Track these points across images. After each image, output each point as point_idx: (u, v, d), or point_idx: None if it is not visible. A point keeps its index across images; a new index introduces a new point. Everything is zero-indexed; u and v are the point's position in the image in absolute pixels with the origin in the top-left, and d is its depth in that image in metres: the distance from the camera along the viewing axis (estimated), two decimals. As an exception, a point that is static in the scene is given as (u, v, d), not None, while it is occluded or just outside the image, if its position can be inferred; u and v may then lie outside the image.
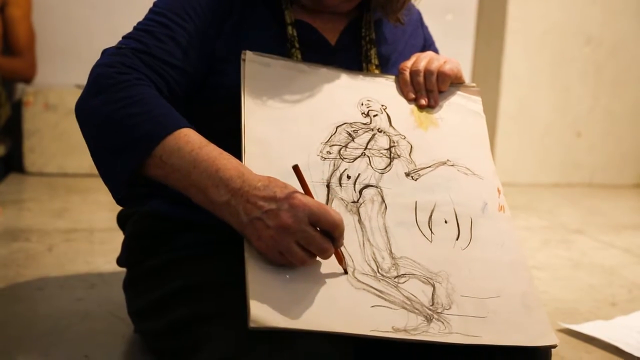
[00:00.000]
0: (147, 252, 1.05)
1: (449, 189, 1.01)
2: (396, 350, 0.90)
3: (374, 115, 1.05)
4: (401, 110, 1.08)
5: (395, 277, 0.90)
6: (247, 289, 0.80)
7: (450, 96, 1.12)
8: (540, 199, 3.09)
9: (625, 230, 2.54)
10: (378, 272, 0.89)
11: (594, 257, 2.12)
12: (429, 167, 1.02)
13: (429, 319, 0.87)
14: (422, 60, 1.10)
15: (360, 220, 0.93)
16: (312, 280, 0.84)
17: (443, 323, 0.87)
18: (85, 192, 2.53)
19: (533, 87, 3.38)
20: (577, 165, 3.52)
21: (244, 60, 1.01)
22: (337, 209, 0.93)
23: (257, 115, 0.97)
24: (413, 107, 1.09)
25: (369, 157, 1.00)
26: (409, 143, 1.04)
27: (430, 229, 0.96)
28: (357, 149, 1.00)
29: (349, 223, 0.92)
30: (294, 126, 0.98)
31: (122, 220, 1.16)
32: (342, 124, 1.01)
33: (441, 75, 1.09)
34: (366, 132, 1.02)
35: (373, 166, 0.99)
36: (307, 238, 0.81)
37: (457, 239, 0.97)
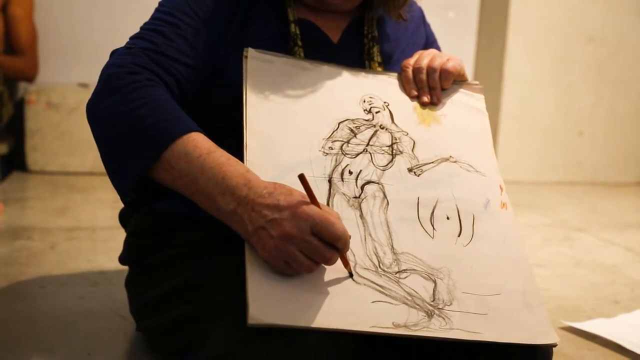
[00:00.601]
0: (149, 250, 1.05)
1: (452, 185, 1.01)
2: (397, 346, 0.90)
3: (376, 112, 1.05)
4: (403, 107, 1.08)
5: (397, 273, 0.90)
6: (247, 286, 0.81)
7: (453, 94, 1.12)
8: (543, 197, 3.09)
9: (627, 228, 2.54)
10: (379, 267, 0.89)
11: (596, 255, 2.12)
12: (432, 162, 1.02)
13: (429, 315, 0.87)
14: (424, 57, 1.10)
15: (362, 216, 0.93)
16: (313, 277, 0.84)
17: (444, 319, 0.87)
18: (87, 191, 2.53)
19: (535, 85, 3.38)
20: (579, 164, 3.52)
21: (246, 57, 1.01)
22: (339, 203, 0.93)
23: (258, 111, 0.97)
24: (415, 104, 1.09)
25: (370, 153, 1.00)
26: (411, 139, 1.04)
27: (432, 225, 0.96)
28: (359, 144, 1.00)
29: (351, 218, 0.92)
30: (295, 122, 0.98)
31: (124, 218, 1.17)
32: (344, 120, 1.01)
33: (444, 73, 1.09)
34: (368, 128, 1.02)
35: (375, 163, 0.99)
36: (311, 248, 0.81)
37: (459, 236, 0.97)
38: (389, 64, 1.15)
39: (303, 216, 0.80)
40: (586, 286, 1.79)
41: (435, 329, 0.85)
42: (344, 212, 0.92)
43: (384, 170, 0.99)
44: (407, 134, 1.04)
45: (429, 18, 1.30)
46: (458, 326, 0.87)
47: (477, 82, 1.15)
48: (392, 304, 0.86)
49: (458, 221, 0.98)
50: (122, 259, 1.15)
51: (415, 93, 1.09)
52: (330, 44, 1.11)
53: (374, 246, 0.91)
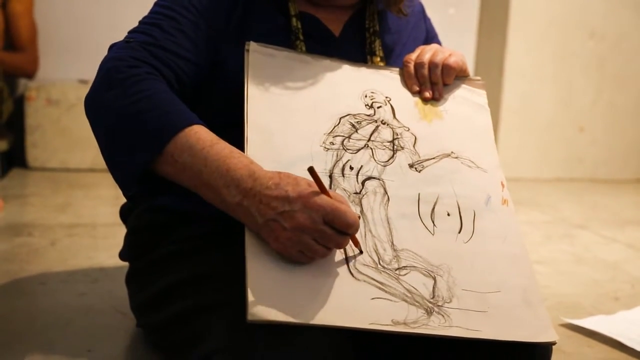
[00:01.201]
0: (149, 246, 1.05)
1: (453, 181, 1.01)
2: (396, 342, 0.91)
3: (378, 107, 1.05)
4: (405, 102, 1.08)
5: (397, 269, 0.90)
6: (246, 282, 0.81)
7: (455, 89, 1.12)
8: (543, 194, 3.09)
9: (628, 225, 2.54)
10: (379, 263, 0.89)
11: (596, 252, 2.12)
12: (433, 158, 1.02)
13: (429, 312, 0.87)
14: (426, 52, 1.10)
15: (362, 212, 0.93)
16: (313, 273, 0.84)
17: (443, 316, 0.87)
18: (87, 187, 2.53)
19: (536, 81, 3.37)
20: (579, 160, 3.51)
21: (248, 50, 1.01)
22: None
23: (260, 105, 0.97)
24: (417, 99, 1.09)
25: (372, 149, 1.00)
26: (413, 135, 1.04)
27: (433, 222, 0.96)
28: (360, 140, 1.00)
29: None
30: (297, 116, 0.98)
31: (124, 215, 1.17)
32: (346, 115, 1.01)
33: (446, 68, 1.09)
34: (370, 123, 1.02)
35: (376, 159, 0.99)
36: (324, 237, 0.82)
37: (459, 232, 0.97)
38: (390, 57, 1.15)
39: (315, 207, 0.81)
40: (586, 283, 1.79)
41: (435, 327, 0.86)
42: None
43: (384, 166, 0.99)
44: (409, 129, 1.04)
45: (429, 14, 1.30)
46: (457, 324, 0.87)
47: (478, 78, 1.15)
48: (391, 300, 0.86)
49: (459, 218, 0.98)
50: (123, 255, 1.15)
51: (417, 88, 1.09)
52: (331, 37, 1.10)
53: (374, 242, 0.91)
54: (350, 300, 0.84)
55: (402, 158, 1.01)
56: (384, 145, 1.01)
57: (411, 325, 0.85)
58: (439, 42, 1.26)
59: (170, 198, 1.04)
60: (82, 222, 2.04)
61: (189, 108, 0.93)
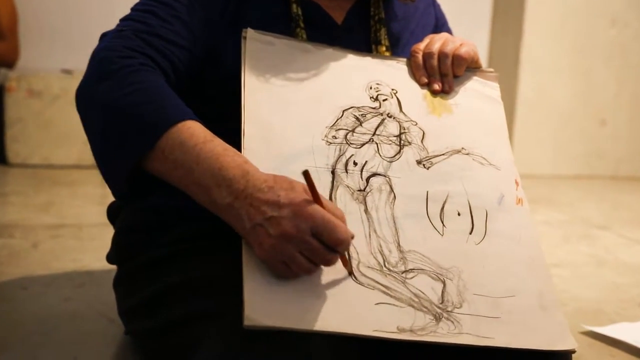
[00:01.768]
0: (139, 247, 1.05)
1: (463, 179, 1.01)
2: (405, 350, 0.90)
3: (384, 100, 1.04)
4: (413, 95, 1.07)
5: (403, 272, 0.89)
6: (243, 286, 0.81)
7: (466, 81, 1.12)
8: (561, 192, 3.09)
9: (652, 225, 2.54)
10: (384, 266, 0.89)
11: (619, 254, 2.12)
12: (442, 154, 1.02)
13: (437, 318, 0.87)
14: (436, 42, 1.10)
15: (366, 210, 0.93)
16: (313, 276, 0.84)
17: (453, 323, 0.87)
18: (72, 185, 2.53)
19: (553, 72, 3.37)
20: (600, 156, 3.52)
21: (245, 38, 1.01)
22: (342, 196, 0.93)
23: (258, 96, 0.97)
24: (426, 92, 1.09)
25: (377, 143, 0.99)
26: (421, 129, 1.04)
27: (442, 222, 0.96)
28: (365, 134, 1.00)
29: (355, 213, 0.92)
30: (297, 108, 0.98)
31: (112, 214, 1.17)
32: (350, 108, 1.01)
33: (456, 59, 1.09)
34: (375, 116, 1.02)
35: (381, 154, 0.99)
36: (310, 250, 0.81)
37: (470, 233, 0.97)
38: (397, 47, 1.15)
39: (304, 216, 0.80)
40: (608, 287, 1.79)
41: (443, 334, 0.85)
42: (347, 205, 0.92)
43: (390, 161, 0.99)
44: (416, 123, 1.04)
45: (439, 0, 1.30)
46: (468, 330, 0.87)
47: (491, 70, 1.15)
48: (397, 306, 0.86)
49: (470, 217, 0.98)
50: (110, 258, 1.15)
51: (426, 80, 1.09)
52: (334, 25, 1.10)
53: (379, 243, 0.91)
54: (352, 306, 0.84)
55: (410, 154, 1.01)
56: (390, 140, 1.01)
57: (418, 333, 0.84)
58: (449, 31, 1.26)
59: (163, 197, 1.04)
60: (67, 223, 2.04)
61: (185, 99, 0.93)
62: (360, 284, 0.86)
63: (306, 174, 0.82)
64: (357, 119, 1.01)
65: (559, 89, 3.39)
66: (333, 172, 0.94)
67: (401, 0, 1.15)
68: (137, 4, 1.04)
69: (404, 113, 1.05)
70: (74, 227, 2.00)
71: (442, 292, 0.89)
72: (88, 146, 0.96)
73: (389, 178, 0.97)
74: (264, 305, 0.79)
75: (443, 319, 0.87)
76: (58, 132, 2.77)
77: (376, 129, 1.01)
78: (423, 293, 0.88)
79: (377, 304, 0.85)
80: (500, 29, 3.46)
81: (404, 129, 1.03)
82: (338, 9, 1.12)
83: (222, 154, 0.86)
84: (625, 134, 3.52)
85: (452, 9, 1.88)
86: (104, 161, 0.92)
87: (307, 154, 0.93)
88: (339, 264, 0.86)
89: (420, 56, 1.09)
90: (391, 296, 0.87)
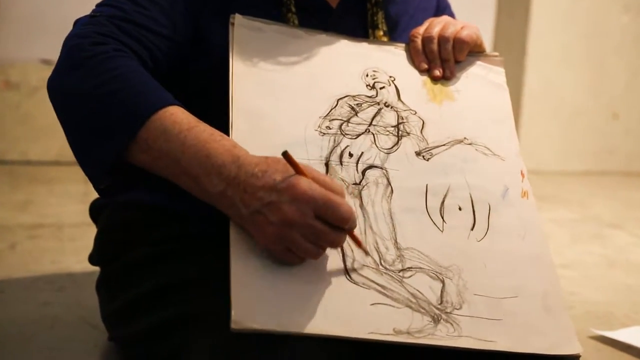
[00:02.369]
0: (123, 247, 1.05)
1: (465, 170, 1.01)
2: (402, 349, 0.91)
3: (381, 88, 1.05)
4: (412, 82, 1.08)
5: (400, 271, 0.90)
6: (231, 286, 0.81)
7: (469, 66, 1.12)
8: (570, 189, 3.09)
9: (667, 224, 2.55)
10: (381, 264, 0.89)
11: (631, 255, 2.12)
12: (443, 145, 1.02)
13: (436, 320, 0.87)
14: (435, 25, 1.10)
15: (362, 205, 0.93)
16: (305, 275, 0.84)
17: (452, 325, 0.87)
18: (52, 182, 2.53)
19: (562, 62, 3.38)
20: (612, 151, 3.52)
21: (233, 24, 1.01)
22: None
23: (246, 86, 0.97)
24: (426, 78, 1.09)
25: (373, 134, 1.00)
26: (420, 119, 1.04)
27: (442, 217, 0.96)
28: (360, 124, 1.00)
29: None
30: (288, 98, 0.98)
31: (95, 213, 1.17)
32: (344, 97, 1.02)
33: (458, 43, 1.09)
34: (371, 106, 1.02)
35: (378, 145, 0.99)
36: (315, 233, 0.81)
37: (472, 229, 0.97)
38: (395, 31, 1.15)
39: (305, 198, 0.80)
40: (620, 289, 1.79)
41: (442, 336, 0.86)
42: None
43: (388, 153, 0.99)
44: (416, 112, 1.04)
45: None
46: (468, 333, 0.87)
47: (496, 54, 1.15)
48: (393, 306, 0.86)
49: (472, 212, 0.98)
50: (93, 259, 1.15)
51: (426, 66, 1.09)
52: (328, 9, 1.10)
53: (375, 240, 0.91)
54: (346, 306, 0.84)
55: (408, 145, 1.01)
56: (388, 131, 1.01)
57: (415, 335, 0.85)
58: (451, 15, 1.26)
59: (147, 192, 1.04)
60: (46, 222, 2.04)
61: (167, 89, 0.93)
62: (355, 283, 0.86)
63: (286, 155, 0.82)
64: (353, 108, 1.01)
65: (568, 80, 3.40)
66: (327, 165, 0.94)
67: None
68: None
69: (402, 101, 1.05)
70: (54, 227, 2.00)
71: (441, 292, 0.90)
72: (68, 141, 0.95)
73: (386, 171, 0.97)
74: (252, 307, 0.79)
75: (442, 320, 0.87)
76: (37, 126, 2.77)
77: (372, 119, 1.01)
78: (421, 293, 0.89)
79: (373, 304, 0.86)
80: (506, 16, 3.47)
81: (402, 118, 1.03)
82: (333, -7, 1.12)
83: (208, 140, 0.86)
84: (637, 128, 3.53)
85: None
86: (83, 155, 0.92)
87: (300, 146, 0.93)
88: (331, 261, 0.86)
89: (419, 41, 1.09)
90: (387, 296, 0.87)
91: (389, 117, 1.02)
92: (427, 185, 0.98)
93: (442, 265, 0.92)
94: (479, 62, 1.13)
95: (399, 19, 1.16)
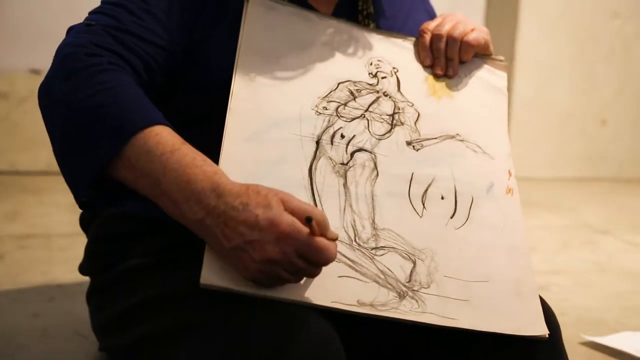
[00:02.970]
0: (114, 258, 1.05)
1: (453, 164, 1.04)
2: (391, 338, 0.94)
3: (382, 77, 1.08)
4: (414, 75, 1.11)
5: (373, 249, 0.93)
6: (205, 248, 0.85)
7: (473, 67, 1.15)
8: (560, 195, 3.11)
9: (657, 230, 2.56)
10: (355, 240, 0.92)
11: (621, 261, 2.13)
12: (435, 138, 1.05)
13: (401, 296, 0.90)
14: (446, 23, 1.12)
15: (345, 184, 0.96)
16: None
17: (417, 301, 0.90)
18: (41, 192, 2.52)
19: (551, 69, 3.39)
20: (602, 157, 3.54)
21: (248, 1, 1.03)
22: (323, 168, 0.96)
23: (252, 60, 1.00)
24: (429, 74, 1.12)
25: (368, 120, 1.03)
26: (416, 111, 1.07)
27: (423, 204, 0.99)
28: (357, 109, 1.03)
29: (333, 185, 0.95)
30: (291, 76, 1.02)
31: (85, 223, 1.16)
32: (345, 81, 1.05)
33: (465, 45, 1.11)
34: (370, 93, 1.05)
35: (371, 131, 1.02)
36: (296, 270, 0.83)
37: (451, 217, 1.00)
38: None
39: (288, 239, 0.81)
40: (610, 295, 1.80)
41: (405, 311, 0.89)
42: (327, 178, 0.95)
43: (379, 139, 1.02)
44: (413, 105, 1.07)
45: (429, -9, 1.31)
46: (432, 310, 0.90)
47: (501, 58, 1.18)
48: (360, 280, 0.89)
49: (454, 202, 1.01)
50: (83, 269, 1.15)
51: (430, 62, 1.12)
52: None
53: (353, 218, 0.94)
54: None
55: (400, 134, 1.04)
56: (382, 119, 1.04)
57: (378, 308, 0.88)
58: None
59: (139, 203, 1.03)
60: (35, 232, 2.03)
61: (160, 100, 0.93)
62: None
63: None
64: (352, 93, 1.04)
65: (557, 87, 3.41)
66: (318, 143, 0.97)
67: None
68: None
69: (401, 93, 1.08)
70: (43, 237, 1.99)
71: (411, 272, 0.93)
72: (57, 151, 0.95)
73: (375, 155, 1.00)
74: (223, 267, 0.84)
75: (407, 297, 0.90)
76: (25, 136, 2.76)
77: (369, 106, 1.04)
78: (390, 271, 0.92)
79: (341, 276, 0.89)
80: (494, 21, 3.48)
81: (399, 109, 1.06)
82: (325, 4, 1.13)
83: (189, 165, 0.86)
84: (628, 134, 3.55)
85: (445, 2, 1.90)
86: (66, 165, 0.92)
87: (294, 122, 0.96)
88: None
89: (428, 37, 1.12)
90: (356, 270, 0.90)
91: (386, 106, 1.05)
92: (413, 173, 1.01)
93: (415, 247, 0.95)
94: (483, 65, 1.16)
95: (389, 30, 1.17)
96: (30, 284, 1.60)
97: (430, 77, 1.11)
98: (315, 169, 0.96)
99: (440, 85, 1.11)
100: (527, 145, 3.36)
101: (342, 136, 0.99)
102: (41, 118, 0.94)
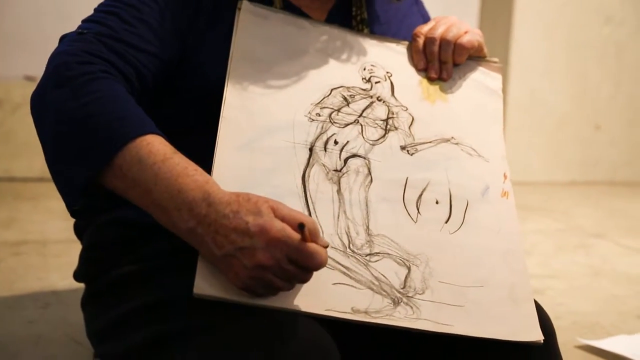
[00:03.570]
0: (109, 264, 1.05)
1: (448, 168, 1.04)
2: (392, 346, 0.93)
3: (376, 82, 1.08)
4: (408, 79, 1.11)
5: (367, 255, 0.93)
6: (198, 257, 0.85)
7: (467, 70, 1.15)
8: (555, 199, 3.11)
9: (651, 233, 2.57)
10: (349, 247, 0.92)
11: (616, 264, 2.14)
12: (429, 142, 1.05)
13: (396, 302, 0.90)
14: (439, 26, 1.12)
15: (339, 191, 0.96)
16: None
17: (412, 308, 0.90)
18: (36, 199, 2.52)
19: (545, 73, 3.40)
20: (596, 161, 3.55)
21: (239, 9, 1.03)
22: (316, 175, 0.96)
23: (243, 69, 1.00)
24: (423, 78, 1.12)
25: (362, 125, 1.02)
26: (410, 115, 1.07)
27: (418, 209, 0.99)
28: (350, 114, 1.03)
29: (327, 192, 0.95)
30: (284, 83, 1.01)
31: (80, 229, 1.16)
32: (339, 87, 1.05)
33: (458, 47, 1.11)
34: (364, 98, 1.05)
35: (365, 136, 1.02)
36: (287, 276, 0.83)
37: (446, 222, 1.00)
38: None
39: (278, 245, 0.81)
40: (605, 299, 1.81)
41: (400, 318, 0.88)
42: (320, 185, 0.95)
43: (373, 145, 1.02)
44: (407, 109, 1.07)
45: (422, -3, 1.32)
46: (427, 317, 0.90)
47: (496, 60, 1.18)
48: (355, 287, 0.89)
49: (448, 207, 1.01)
50: (78, 276, 1.15)
51: (424, 65, 1.12)
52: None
53: (347, 224, 0.94)
54: (308, 284, 0.86)
55: (395, 139, 1.03)
56: (376, 124, 1.04)
57: (372, 315, 0.88)
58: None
59: (133, 210, 1.03)
60: (30, 239, 2.03)
61: (152, 108, 0.93)
62: None
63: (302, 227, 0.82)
64: (345, 99, 1.04)
65: (551, 91, 3.42)
66: (311, 150, 0.97)
67: None
68: (100, 5, 1.04)
69: (395, 97, 1.08)
70: (38, 243, 1.99)
71: (406, 278, 0.93)
72: (52, 158, 0.95)
73: (369, 161, 1.00)
74: (216, 276, 0.84)
75: (402, 303, 0.90)
76: (20, 143, 2.75)
77: (363, 111, 1.04)
78: (385, 277, 0.92)
79: (335, 284, 0.89)
80: (488, 27, 3.49)
81: (393, 113, 1.06)
82: (319, 10, 1.13)
83: (181, 174, 0.86)
84: (621, 137, 3.56)
85: (437, 6, 1.90)
86: (58, 173, 0.92)
87: (287, 129, 0.96)
88: None
89: (421, 40, 1.12)
90: (350, 277, 0.90)
91: (380, 111, 1.05)
92: (407, 178, 1.01)
93: (410, 253, 0.95)
94: (477, 67, 1.16)
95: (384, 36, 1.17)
96: (25, 290, 1.60)
97: (424, 81, 1.11)
98: (309, 176, 0.95)
99: (435, 89, 1.11)
100: (522, 150, 3.37)
101: (336, 142, 0.99)
102: (35, 124, 0.94)
